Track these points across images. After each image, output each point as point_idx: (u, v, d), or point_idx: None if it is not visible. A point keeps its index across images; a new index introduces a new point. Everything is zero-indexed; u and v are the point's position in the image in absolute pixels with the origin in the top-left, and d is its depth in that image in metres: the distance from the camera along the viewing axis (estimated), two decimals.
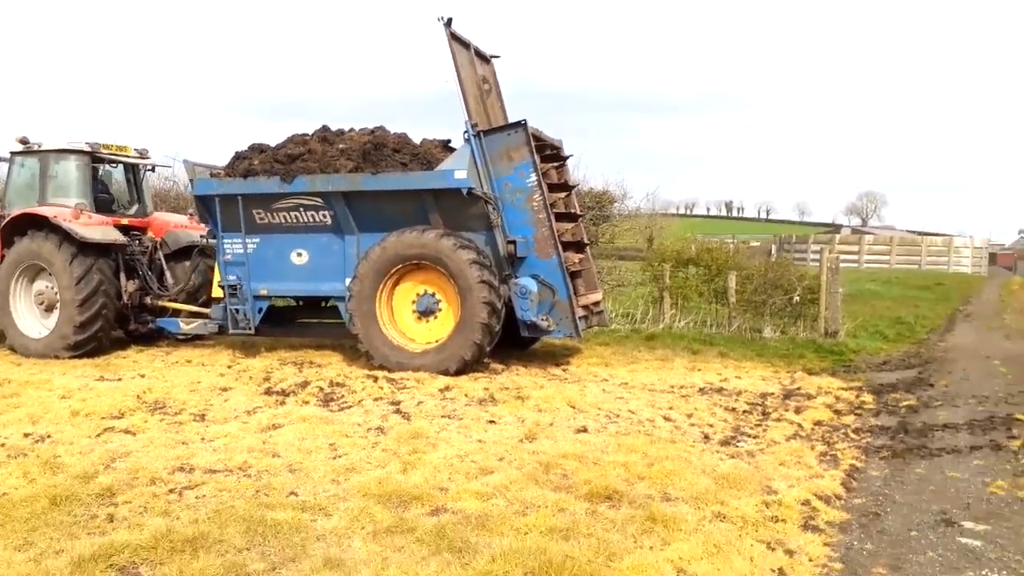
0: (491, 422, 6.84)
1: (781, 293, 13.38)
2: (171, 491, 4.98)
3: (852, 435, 6.92)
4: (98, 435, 6.44)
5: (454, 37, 9.80)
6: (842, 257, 49.89)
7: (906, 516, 4.86)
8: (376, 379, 8.70)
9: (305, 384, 8.55)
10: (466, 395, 7.94)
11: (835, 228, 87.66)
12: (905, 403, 8.41)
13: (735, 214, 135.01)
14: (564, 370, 9.64)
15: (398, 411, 7.29)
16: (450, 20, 9.67)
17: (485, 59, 11.09)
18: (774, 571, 3.90)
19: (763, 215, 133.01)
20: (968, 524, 4.72)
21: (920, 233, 75.57)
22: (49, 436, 6.40)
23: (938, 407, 8.20)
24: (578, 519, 4.41)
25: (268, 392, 8.25)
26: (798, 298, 13.24)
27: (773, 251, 51.76)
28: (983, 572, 4.01)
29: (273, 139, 10.93)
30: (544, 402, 7.55)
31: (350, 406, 7.56)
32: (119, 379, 9.02)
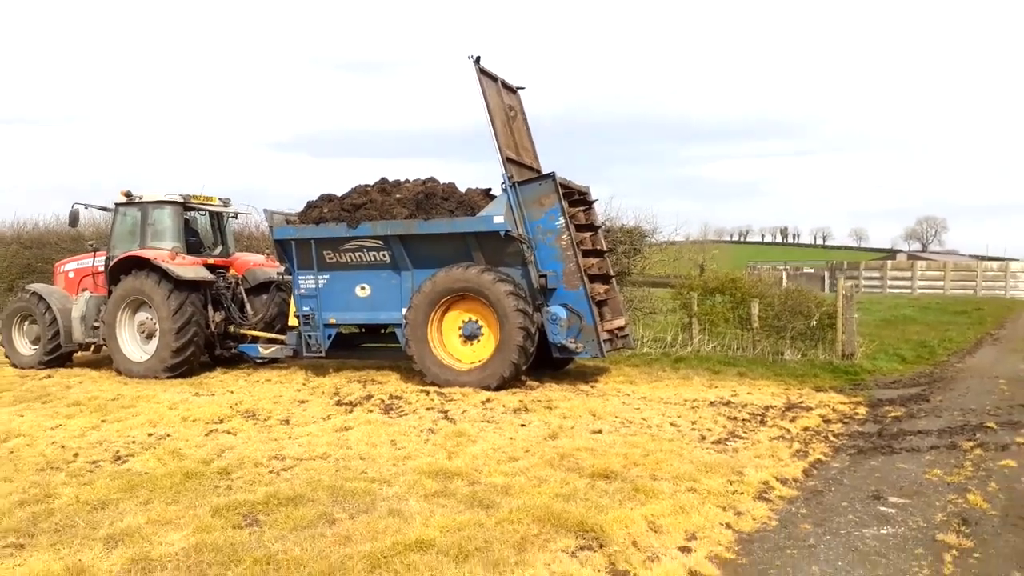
0: (522, 425, 8.24)
1: (801, 318, 14.46)
2: (271, 471, 6.48)
3: (831, 438, 8.11)
4: (206, 434, 8.02)
5: (483, 72, 11.40)
6: (894, 283, 50.01)
7: (845, 493, 6.09)
8: (428, 393, 10.18)
9: (369, 397, 10.07)
10: (503, 405, 9.36)
11: (891, 254, 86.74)
12: (893, 414, 9.51)
13: (790, 240, 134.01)
14: (592, 386, 10.97)
15: (446, 417, 8.74)
16: (479, 58, 11.26)
17: (511, 90, 12.67)
18: (722, 524, 5.19)
19: (819, 241, 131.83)
20: (893, 499, 5.92)
21: (980, 258, 74.56)
22: (168, 435, 8.00)
23: (922, 418, 9.28)
24: (579, 489, 5.76)
25: (338, 403, 9.79)
26: (815, 322, 14.29)
27: (826, 278, 52.17)
28: (884, 529, 5.23)
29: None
30: (569, 411, 8.92)
31: (406, 414, 9.03)
32: (212, 394, 10.68)
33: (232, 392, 10.84)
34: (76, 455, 7.17)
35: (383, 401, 9.79)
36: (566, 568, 4.35)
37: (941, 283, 48.39)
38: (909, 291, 46.31)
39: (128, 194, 13.42)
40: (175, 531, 4.95)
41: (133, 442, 7.72)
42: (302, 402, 9.88)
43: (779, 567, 4.58)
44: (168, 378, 12.17)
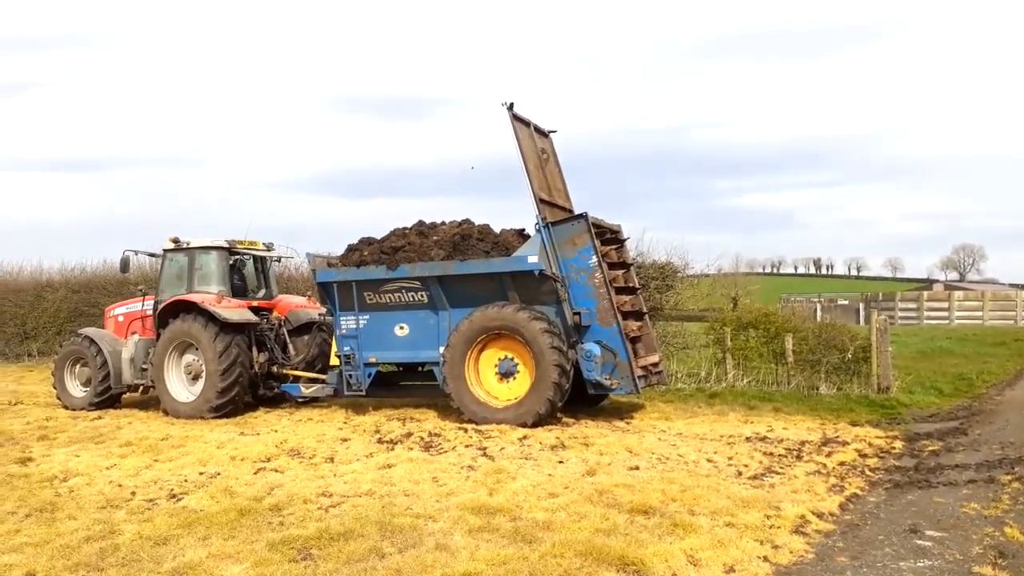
0: (560, 462, 8.41)
1: (835, 352, 14.47)
2: (319, 508, 6.73)
3: (867, 472, 8.17)
4: (255, 472, 8.31)
5: (516, 118, 11.79)
6: (931, 314, 49.26)
7: (882, 527, 6.17)
8: (466, 431, 10.39)
9: (409, 435, 10.32)
10: (540, 442, 9.54)
11: (928, 284, 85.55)
12: (930, 448, 9.53)
13: (824, 272, 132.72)
14: (627, 423, 11.10)
15: (485, 454, 8.94)
16: (512, 104, 11.64)
17: (543, 134, 13.05)
18: (760, 557, 5.33)
19: (853, 272, 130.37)
20: (930, 532, 6.00)
21: (1021, 287, 73.25)
22: (219, 474, 8.30)
23: (960, 451, 9.29)
24: (619, 524, 5.93)
25: (380, 441, 10.04)
26: (850, 356, 14.29)
27: (861, 309, 51.62)
28: (920, 562, 5.33)
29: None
30: (606, 447, 9.08)
31: (446, 451, 9.25)
32: (257, 434, 11.00)
33: (276, 431, 11.14)
34: (133, 493, 7.50)
35: (423, 439, 10.03)
36: None
37: (980, 313, 47.60)
38: (947, 322, 45.61)
39: (176, 240, 13.96)
40: (235, 564, 5.21)
41: (186, 480, 8.04)
42: (344, 440, 10.16)
43: None
44: (214, 418, 12.53)
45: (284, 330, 14.07)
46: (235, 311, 13.12)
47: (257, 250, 14.48)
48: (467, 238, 11.90)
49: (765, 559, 5.32)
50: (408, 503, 6.75)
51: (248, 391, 13.37)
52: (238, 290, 14.01)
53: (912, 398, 13.79)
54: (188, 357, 13.31)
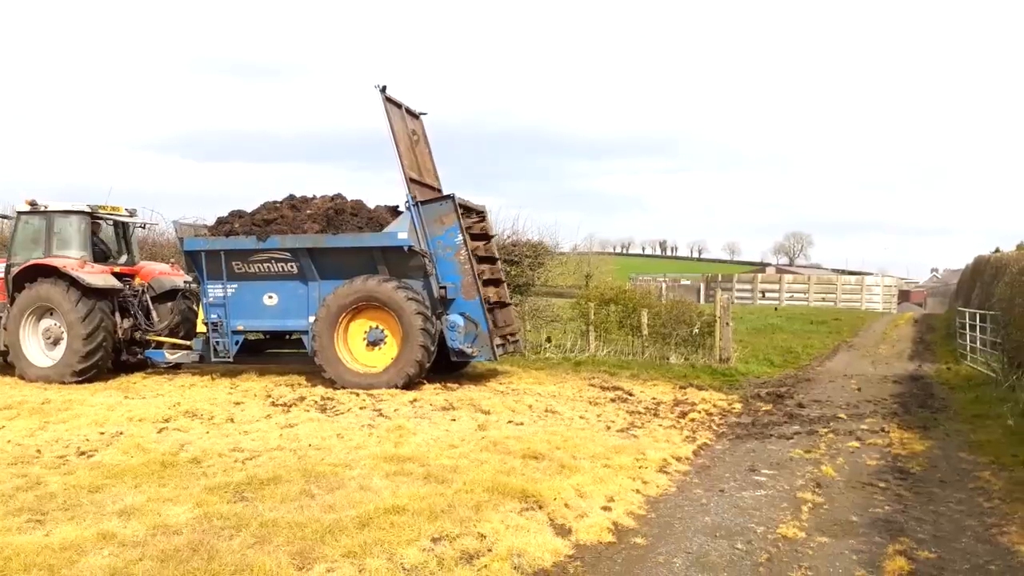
0: (453, 420, 9.28)
1: (684, 326, 16.13)
2: (237, 461, 7.24)
3: (714, 427, 9.57)
4: (159, 432, 8.63)
5: (389, 100, 12.44)
6: (764, 294, 53.58)
7: (728, 467, 7.48)
8: (358, 395, 11.03)
9: (302, 399, 10.84)
10: (431, 404, 10.37)
11: (762, 267, 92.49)
12: (764, 408, 11.13)
13: (669, 253, 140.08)
14: (508, 387, 12.10)
15: (381, 415, 9.66)
16: (385, 87, 12.27)
17: (414, 115, 13.77)
18: (633, 490, 6.43)
19: (696, 254, 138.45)
20: (765, 470, 7.36)
21: (841, 272, 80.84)
22: (121, 433, 8.55)
23: (787, 410, 10.92)
24: (515, 467, 6.88)
25: (273, 404, 10.51)
26: (697, 330, 15.99)
27: (702, 289, 55.50)
28: (758, 492, 6.62)
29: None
30: (491, 407, 10.03)
31: (342, 412, 9.88)
32: (144, 398, 11.13)
33: (162, 396, 11.30)
34: (39, 451, 7.67)
35: (316, 402, 10.58)
36: (517, 522, 5.45)
37: (805, 295, 52.47)
38: (777, 302, 49.99)
39: (33, 203, 13.56)
40: (177, 506, 5.71)
41: (87, 440, 8.24)
42: (238, 403, 10.53)
43: (680, 519, 5.85)
44: (76, 383, 12.41)
45: (147, 297, 14.01)
46: (98, 276, 13.03)
47: (120, 215, 14.31)
48: (341, 213, 12.49)
49: (637, 491, 6.43)
50: (321, 456, 7.39)
51: (111, 356, 13.31)
52: (99, 256, 13.81)
53: (748, 368, 15.66)
54: (47, 322, 13.09)
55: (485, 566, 4.69)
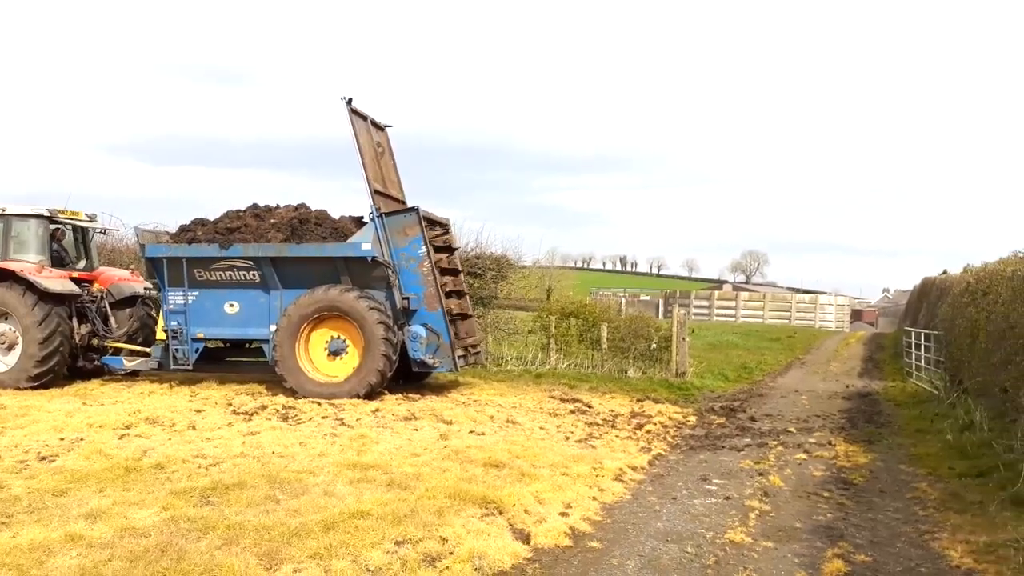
0: (415, 430, 9.44)
1: (642, 341, 16.49)
2: (200, 467, 7.32)
3: (669, 438, 9.88)
4: (120, 438, 8.65)
5: (354, 112, 12.61)
6: (720, 311, 54.43)
7: (681, 477, 7.77)
8: (319, 404, 11.11)
9: (263, 407, 10.89)
10: (392, 414, 10.51)
11: (719, 284, 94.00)
12: (717, 422, 11.48)
13: (629, 268, 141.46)
14: (469, 398, 12.29)
15: (343, 423, 9.78)
16: (351, 99, 12.48)
17: (380, 127, 13.97)
18: (590, 497, 6.67)
19: (655, 270, 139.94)
20: (716, 480, 7.66)
21: (795, 290, 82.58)
22: (81, 439, 8.55)
23: (739, 424, 11.28)
24: (476, 475, 7.07)
25: (235, 412, 10.55)
26: (655, 345, 16.36)
27: (660, 305, 56.25)
28: (708, 500, 6.91)
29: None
30: (453, 418, 10.22)
31: (304, 421, 9.97)
32: (102, 404, 11.08)
33: (121, 403, 11.26)
34: None
35: (278, 411, 10.65)
36: (478, 527, 5.64)
37: (761, 312, 53.52)
38: (733, 319, 50.92)
39: None
40: (143, 510, 5.80)
41: (46, 445, 8.23)
42: (199, 411, 10.55)
43: (634, 524, 6.10)
44: (31, 388, 12.29)
45: (106, 303, 13.94)
46: (57, 281, 12.96)
47: (79, 220, 14.23)
48: (305, 222, 12.63)
49: (594, 499, 6.67)
50: (285, 463, 7.50)
51: (68, 362, 13.20)
52: (57, 260, 13.73)
53: (703, 382, 16.07)
54: (1, 326, 12.95)
55: (447, 568, 4.88)
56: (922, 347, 17.00)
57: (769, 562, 5.35)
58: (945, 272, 28.65)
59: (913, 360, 17.82)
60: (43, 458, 7.62)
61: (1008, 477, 7.23)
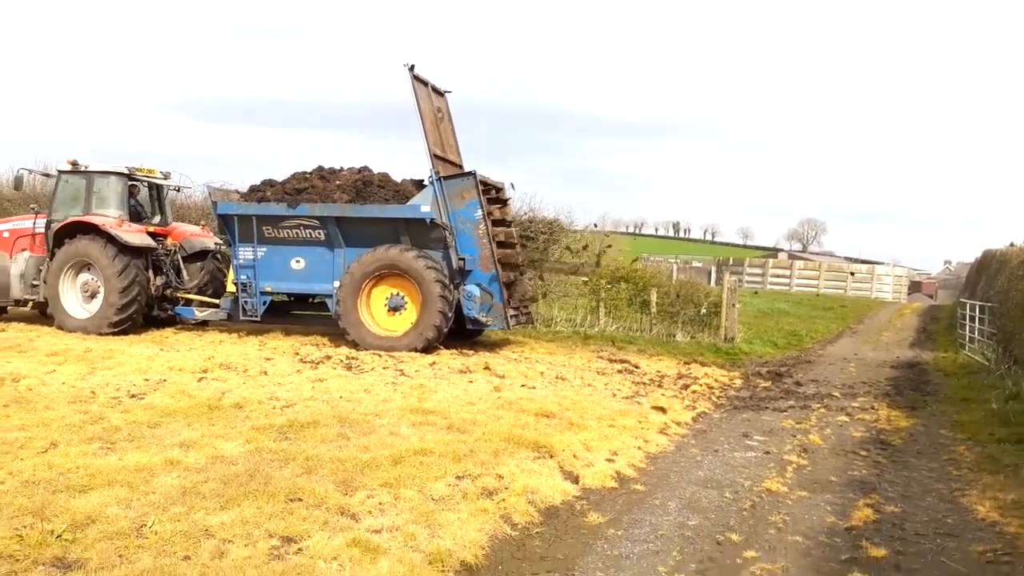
0: (470, 382, 9.97)
1: (691, 306, 16.74)
2: (275, 408, 7.95)
3: (714, 398, 10.23)
4: (199, 380, 9.35)
5: (416, 79, 13.01)
6: (774, 279, 53.84)
7: (723, 432, 8.15)
8: (380, 356, 11.73)
9: (328, 357, 11.54)
10: (448, 367, 11.06)
11: (774, 252, 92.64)
12: (763, 385, 11.77)
13: (682, 235, 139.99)
14: (520, 355, 12.80)
15: (403, 374, 10.36)
16: (413, 66, 12.86)
17: (439, 93, 14.34)
18: (635, 447, 7.11)
19: (708, 237, 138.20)
20: (757, 436, 8.02)
21: (852, 260, 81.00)
22: (165, 380, 9.27)
23: (785, 387, 11.56)
24: (529, 423, 7.56)
25: (302, 361, 11.22)
26: (704, 310, 16.60)
27: (713, 272, 55.92)
28: (748, 453, 7.29)
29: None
30: (505, 372, 10.72)
31: (367, 371, 10.58)
32: (178, 351, 11.86)
33: (194, 349, 12.02)
34: (93, 392, 8.38)
35: (342, 361, 11.28)
36: (531, 467, 6.13)
37: (816, 281, 52.82)
38: (788, 288, 50.42)
39: (75, 163, 14.27)
40: (228, 442, 6.42)
41: (134, 384, 8.96)
42: (268, 359, 11.25)
43: (676, 472, 6.53)
44: (112, 334, 13.14)
45: (179, 256, 14.75)
46: (135, 235, 13.76)
47: (154, 177, 15.03)
48: (368, 184, 13.17)
49: (639, 448, 7.11)
50: (352, 407, 8.08)
51: (144, 311, 14.01)
52: (134, 215, 14.54)
53: (752, 347, 16.30)
54: (84, 276, 13.83)
55: (503, 500, 5.38)
56: (976, 319, 16.92)
57: (802, 508, 5.73)
58: (1012, 244, 28.10)
59: (967, 332, 17.74)
60: (133, 396, 8.33)
61: None
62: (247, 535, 4.49)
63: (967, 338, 17.55)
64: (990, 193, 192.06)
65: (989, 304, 16.42)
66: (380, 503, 5.15)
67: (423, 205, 12.48)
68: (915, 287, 65.95)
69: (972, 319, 17.36)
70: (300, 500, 5.08)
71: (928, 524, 5.55)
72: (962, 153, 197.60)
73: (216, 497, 5.03)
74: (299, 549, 4.38)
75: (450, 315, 12.36)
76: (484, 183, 13.12)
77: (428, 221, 12.42)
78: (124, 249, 13.40)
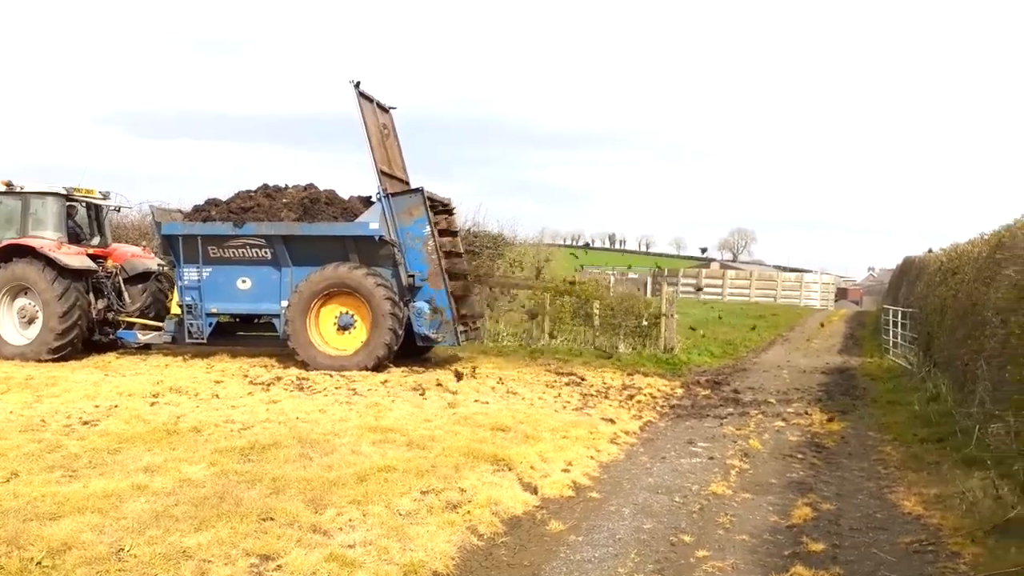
0: (424, 399, 10.18)
1: (632, 318, 17.26)
2: (234, 431, 8.01)
3: (657, 408, 10.67)
4: (151, 405, 9.33)
5: (362, 95, 13.21)
6: (708, 289, 55.18)
7: (669, 440, 8.56)
8: (331, 376, 11.83)
9: (279, 379, 11.60)
10: (401, 385, 11.25)
11: (706, 262, 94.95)
12: (703, 393, 12.28)
13: (618, 246, 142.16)
14: (471, 372, 13.03)
15: (356, 393, 10.50)
16: (359, 83, 13.05)
17: (384, 109, 14.56)
18: (588, 457, 7.45)
19: (643, 248, 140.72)
20: (700, 443, 8.46)
21: (782, 268, 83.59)
22: (116, 406, 9.22)
23: (723, 395, 12.09)
24: (486, 437, 7.83)
25: (252, 383, 11.25)
26: (645, 322, 17.13)
27: (648, 283, 57.07)
28: (694, 459, 7.70)
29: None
30: (457, 389, 10.97)
31: (319, 391, 10.68)
32: (124, 376, 11.74)
33: (140, 374, 11.92)
34: (44, 421, 8.31)
35: (293, 382, 11.35)
36: (491, 480, 6.40)
37: (747, 290, 54.47)
38: (720, 297, 51.84)
39: (9, 183, 13.99)
40: (192, 466, 6.51)
41: (84, 412, 8.88)
42: (218, 382, 11.24)
43: (628, 479, 6.88)
44: (52, 360, 12.90)
45: (120, 278, 14.54)
46: (75, 257, 13.55)
47: (94, 198, 14.80)
48: (316, 202, 13.28)
49: (592, 458, 7.46)
50: (310, 427, 8.21)
51: (84, 336, 13.75)
52: (73, 237, 14.30)
53: (690, 357, 16.88)
54: (22, 301, 13.56)
55: (468, 512, 5.63)
56: (899, 324, 17.86)
57: (747, 509, 6.14)
58: (930, 251, 29.63)
59: (891, 337, 18.69)
60: (85, 423, 8.28)
61: (963, 441, 8.03)
62: (225, 555, 4.64)
63: (891, 343, 18.49)
64: (909, 203, 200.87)
65: (910, 310, 17.37)
66: (350, 519, 5.35)
67: (372, 222, 12.62)
68: (842, 294, 68.48)
69: (895, 324, 18.31)
70: (272, 519, 5.24)
71: (861, 519, 6.02)
72: (884, 164, 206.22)
73: (189, 519, 5.16)
74: (278, 566, 4.56)
75: (400, 332, 12.53)
76: (431, 199, 13.36)
77: (377, 238, 12.57)
78: (64, 272, 13.18)
